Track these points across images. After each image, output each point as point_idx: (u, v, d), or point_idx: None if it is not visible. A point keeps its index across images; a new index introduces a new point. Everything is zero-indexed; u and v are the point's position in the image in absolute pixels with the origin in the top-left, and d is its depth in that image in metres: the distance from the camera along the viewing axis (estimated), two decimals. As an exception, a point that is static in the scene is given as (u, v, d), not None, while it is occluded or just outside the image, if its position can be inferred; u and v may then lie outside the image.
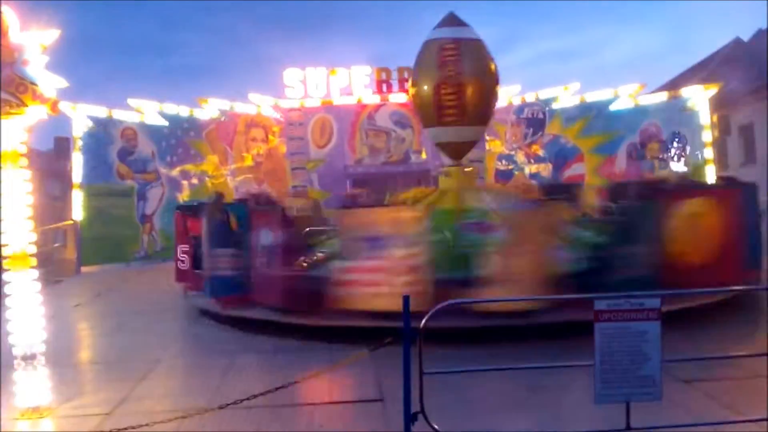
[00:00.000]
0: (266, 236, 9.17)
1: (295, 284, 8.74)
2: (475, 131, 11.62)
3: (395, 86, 20.98)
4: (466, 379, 5.72)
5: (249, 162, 20.54)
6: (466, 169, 11.58)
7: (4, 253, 5.82)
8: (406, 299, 4.73)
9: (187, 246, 11.30)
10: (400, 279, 7.88)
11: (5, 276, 5.85)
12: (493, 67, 11.28)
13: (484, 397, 5.83)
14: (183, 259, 11.42)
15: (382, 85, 20.81)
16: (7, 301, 5.84)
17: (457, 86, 10.78)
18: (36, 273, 5.95)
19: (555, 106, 19.76)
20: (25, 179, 5.88)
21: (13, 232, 5.80)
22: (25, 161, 5.88)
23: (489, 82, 11.20)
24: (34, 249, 5.93)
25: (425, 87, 11.14)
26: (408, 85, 12.02)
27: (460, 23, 11.24)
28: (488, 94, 11.24)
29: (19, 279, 5.83)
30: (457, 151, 11.56)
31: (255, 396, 5.22)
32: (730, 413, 5.22)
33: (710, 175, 16.61)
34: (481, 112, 11.28)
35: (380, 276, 8.04)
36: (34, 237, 5.97)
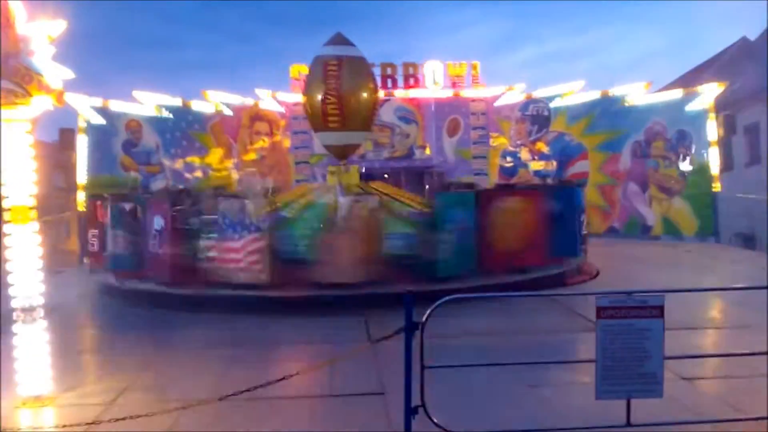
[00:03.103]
0: (158, 221, 10.99)
1: (175, 261, 10.64)
2: (356, 136, 13.32)
3: (400, 82, 20.98)
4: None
5: (253, 155, 20.56)
6: (344, 168, 13.18)
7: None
8: (407, 295, 4.72)
9: (96, 230, 12.92)
10: (249, 257, 10.20)
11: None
12: (371, 82, 13.22)
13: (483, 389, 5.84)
14: (93, 242, 13.10)
15: (387, 80, 20.80)
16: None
17: (338, 97, 12.47)
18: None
19: (560, 103, 19.72)
20: (31, 169, 5.91)
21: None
22: (30, 150, 5.90)
23: (368, 95, 12.87)
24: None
25: (315, 97, 12.72)
26: (303, 95, 13.63)
27: (345, 42, 12.90)
28: (366, 105, 12.89)
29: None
30: (341, 152, 13.29)
31: (255, 388, 5.24)
32: (732, 411, 5.22)
33: (713, 174, 16.60)
34: (361, 120, 12.93)
35: (236, 254, 10.28)
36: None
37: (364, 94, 12.81)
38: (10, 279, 5.89)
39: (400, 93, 21.04)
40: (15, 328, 5.89)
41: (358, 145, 13.84)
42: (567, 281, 11.15)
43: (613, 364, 4.59)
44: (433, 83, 20.96)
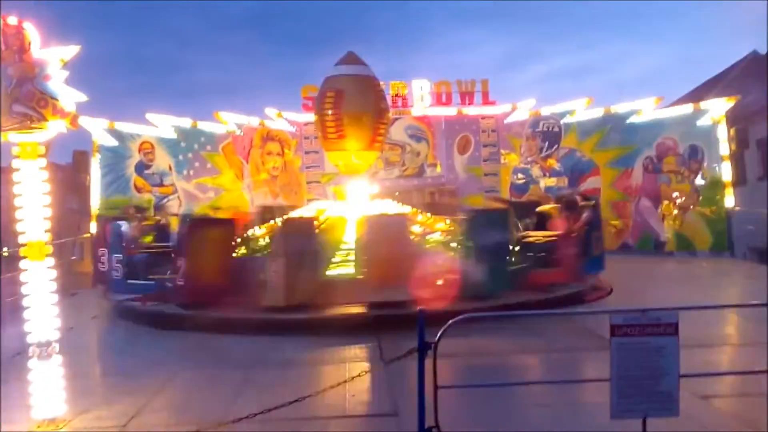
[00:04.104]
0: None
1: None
2: (362, 156, 13.37)
3: (410, 100, 21.09)
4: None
5: (265, 176, 20.66)
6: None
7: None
8: (420, 313, 4.71)
9: (105, 250, 13.01)
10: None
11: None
12: (381, 101, 13.39)
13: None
14: (103, 261, 13.09)
15: (397, 99, 20.91)
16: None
17: (336, 119, 12.81)
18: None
19: (570, 119, 19.70)
20: (44, 192, 5.96)
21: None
22: (44, 173, 5.96)
23: (374, 115, 13.00)
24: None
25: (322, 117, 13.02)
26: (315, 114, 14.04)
27: (357, 61, 13.09)
28: (371, 125, 13.00)
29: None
30: (349, 171, 13.65)
31: (269, 410, 5.22)
32: (749, 430, 5.16)
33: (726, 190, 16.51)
34: (366, 140, 13.02)
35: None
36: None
37: (369, 115, 12.91)
38: (26, 314, 5.91)
39: (410, 111, 21.15)
40: (29, 351, 5.92)
41: (365, 165, 13.87)
42: (585, 299, 10.93)
43: (628, 382, 4.55)
44: (420, 100, 21.03)
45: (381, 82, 13.83)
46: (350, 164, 13.46)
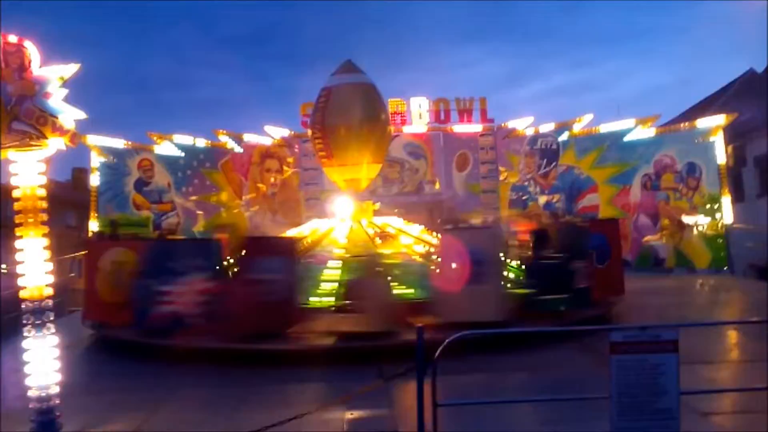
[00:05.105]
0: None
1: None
2: (353, 170, 12.86)
3: (409, 118, 21.13)
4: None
5: (263, 192, 20.67)
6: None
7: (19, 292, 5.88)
8: (419, 330, 4.71)
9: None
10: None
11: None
12: (380, 111, 12.87)
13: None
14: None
15: (397, 116, 20.95)
16: (24, 342, 5.85)
17: (322, 131, 12.42)
18: (51, 312, 5.95)
19: (568, 136, 19.75)
20: (43, 209, 5.96)
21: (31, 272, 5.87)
22: (43, 192, 5.96)
23: (369, 124, 12.44)
24: (50, 287, 5.96)
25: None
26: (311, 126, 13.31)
27: (353, 70, 12.60)
28: (362, 136, 12.38)
29: (34, 314, 5.84)
30: (348, 186, 13.09)
31: (267, 428, 5.20)
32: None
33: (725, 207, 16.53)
34: (356, 152, 12.49)
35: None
36: (52, 279, 5.99)
37: (363, 125, 12.37)
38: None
39: (409, 129, 21.16)
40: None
41: (360, 180, 13.23)
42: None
43: (629, 400, 4.53)
44: (419, 118, 21.07)
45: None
46: (349, 180, 13.02)
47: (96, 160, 17.60)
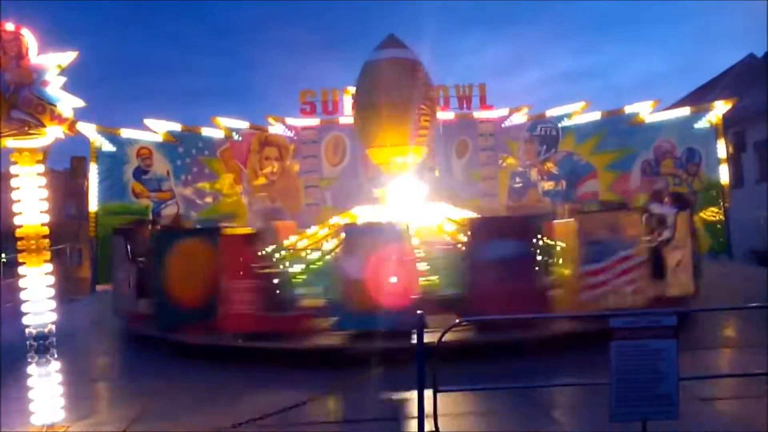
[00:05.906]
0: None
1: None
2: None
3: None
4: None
5: (263, 180, 20.61)
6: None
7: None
8: (419, 317, 4.72)
9: None
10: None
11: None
12: (418, 86, 12.03)
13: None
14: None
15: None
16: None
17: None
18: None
19: (568, 122, 19.69)
20: (42, 198, 5.96)
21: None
22: (42, 179, 5.96)
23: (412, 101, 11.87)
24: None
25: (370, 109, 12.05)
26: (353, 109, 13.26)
27: (396, 44, 12.28)
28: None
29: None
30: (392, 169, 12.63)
31: (268, 415, 5.22)
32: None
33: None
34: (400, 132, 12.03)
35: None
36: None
37: (408, 104, 11.87)
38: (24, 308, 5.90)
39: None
40: (28, 357, 5.89)
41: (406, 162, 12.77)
42: None
43: (627, 385, 4.54)
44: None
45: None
46: (392, 162, 12.51)
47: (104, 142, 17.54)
